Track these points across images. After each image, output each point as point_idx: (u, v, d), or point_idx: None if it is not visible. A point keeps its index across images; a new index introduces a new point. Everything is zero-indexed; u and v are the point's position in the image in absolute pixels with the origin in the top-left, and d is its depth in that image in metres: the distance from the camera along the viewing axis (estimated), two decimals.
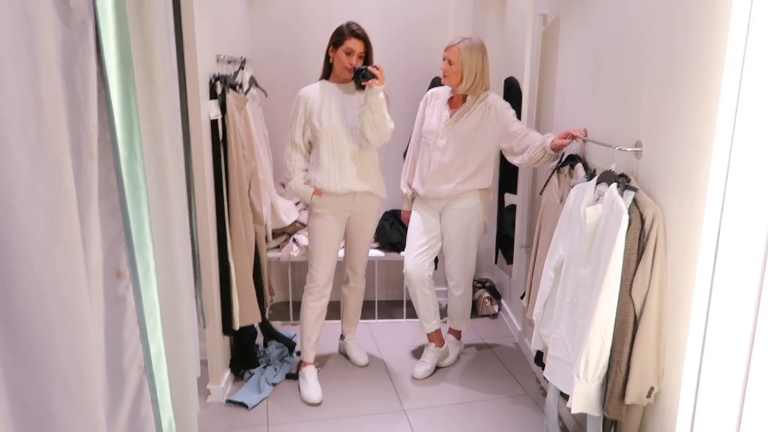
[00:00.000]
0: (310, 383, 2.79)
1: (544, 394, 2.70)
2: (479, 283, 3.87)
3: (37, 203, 0.99)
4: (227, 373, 2.84)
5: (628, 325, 1.72)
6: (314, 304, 2.80)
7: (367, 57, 2.63)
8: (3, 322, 1.01)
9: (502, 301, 3.81)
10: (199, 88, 2.38)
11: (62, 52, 1.12)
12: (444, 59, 2.72)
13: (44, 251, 1.01)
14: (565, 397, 2.05)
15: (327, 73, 2.73)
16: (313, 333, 2.85)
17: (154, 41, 1.39)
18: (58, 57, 1.10)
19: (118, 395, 1.32)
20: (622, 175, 1.84)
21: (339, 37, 2.62)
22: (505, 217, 3.48)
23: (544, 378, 2.19)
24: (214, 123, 2.54)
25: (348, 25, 2.61)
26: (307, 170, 2.73)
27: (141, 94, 1.38)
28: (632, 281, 1.71)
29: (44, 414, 1.05)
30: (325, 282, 2.79)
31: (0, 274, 0.98)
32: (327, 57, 2.70)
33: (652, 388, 1.72)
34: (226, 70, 2.79)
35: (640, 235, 1.71)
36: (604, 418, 1.85)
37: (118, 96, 1.26)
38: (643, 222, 1.70)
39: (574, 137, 2.33)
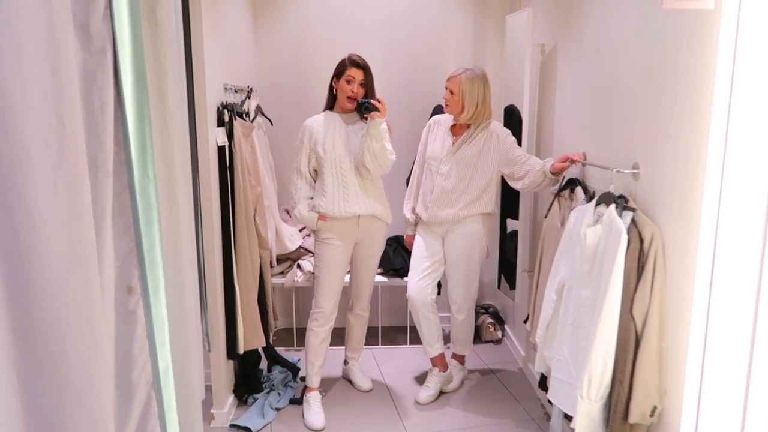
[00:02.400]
0: (314, 409, 2.78)
1: (548, 418, 2.69)
2: (482, 309, 3.88)
3: (56, 218, 1.04)
4: (231, 397, 2.84)
5: (629, 344, 1.74)
6: (319, 329, 2.81)
7: (367, 84, 2.72)
8: (20, 333, 1.04)
9: (506, 326, 3.81)
10: (208, 114, 2.45)
11: (82, 75, 1.18)
12: (446, 89, 2.80)
13: (61, 264, 1.05)
14: (569, 418, 2.05)
15: (331, 104, 2.82)
16: (318, 358, 2.85)
17: (167, 66, 1.46)
18: (78, 81, 1.15)
19: (126, 409, 1.34)
20: (620, 197, 1.88)
21: (341, 68, 2.73)
22: (508, 242, 3.51)
23: (548, 401, 2.20)
24: (221, 149, 2.61)
25: (349, 56, 2.73)
26: (312, 198, 2.78)
27: (154, 117, 1.44)
28: (633, 300, 1.73)
29: (56, 423, 1.07)
30: (331, 309, 2.82)
31: (19, 286, 1.02)
32: (330, 88, 2.80)
33: (655, 407, 1.73)
34: (233, 98, 2.87)
35: (640, 254, 1.74)
36: None
37: (133, 118, 1.31)
38: (642, 241, 1.74)
39: (573, 161, 2.39)
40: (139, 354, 1.36)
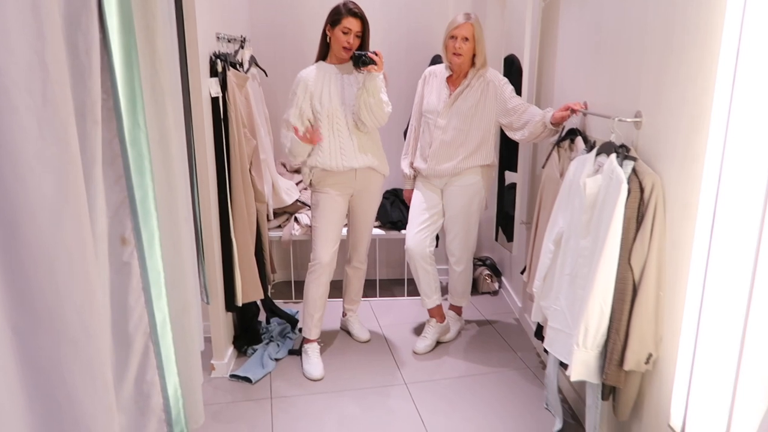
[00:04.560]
0: (312, 360, 2.82)
1: (544, 367, 2.73)
2: (480, 261, 3.90)
3: (44, 165, 1.01)
4: (230, 349, 2.87)
5: (626, 293, 1.74)
6: (317, 281, 2.81)
7: (363, 36, 2.63)
8: (13, 284, 1.03)
9: (503, 278, 3.83)
10: (200, 65, 2.38)
11: (65, 17, 1.13)
12: (454, 37, 2.68)
13: (52, 213, 1.03)
14: (565, 367, 2.08)
15: (324, 53, 2.72)
16: (316, 310, 2.87)
17: (155, 11, 1.40)
18: (61, 22, 1.10)
19: (124, 360, 1.35)
20: (621, 146, 1.85)
21: (336, 16, 2.61)
22: (506, 195, 3.49)
23: (544, 350, 2.22)
24: (215, 101, 2.55)
25: (345, 3, 2.60)
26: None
27: (143, 64, 1.39)
28: (631, 249, 1.72)
29: (54, 372, 1.07)
30: (328, 260, 2.80)
31: (10, 235, 1.00)
32: (324, 36, 2.69)
33: (650, 355, 1.75)
34: (227, 48, 2.79)
35: (640, 203, 1.72)
36: (603, 385, 1.88)
37: (120, 63, 1.27)
38: (642, 191, 1.72)
39: (573, 111, 2.34)
40: (135, 305, 1.36)
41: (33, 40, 0.97)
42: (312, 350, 2.85)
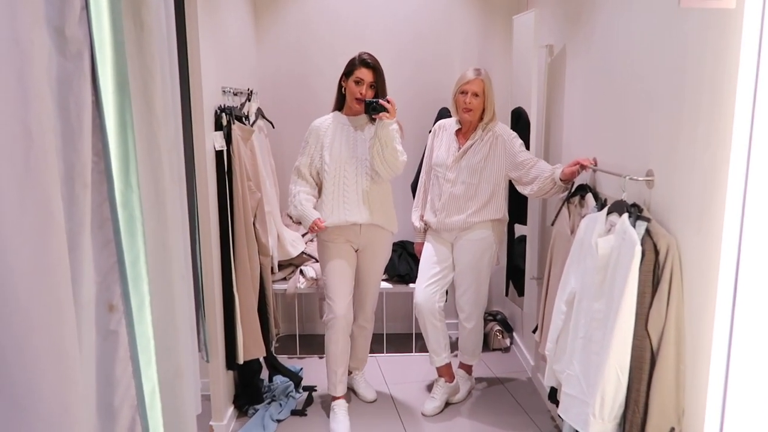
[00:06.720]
0: (339, 418, 2.71)
1: (559, 431, 2.59)
2: (490, 316, 3.78)
3: (23, 237, 0.96)
4: (231, 408, 2.76)
5: (644, 362, 1.64)
6: (336, 335, 2.71)
7: (377, 86, 2.61)
8: None
9: (514, 334, 3.71)
10: (204, 119, 2.38)
11: (57, 81, 1.10)
12: (465, 93, 2.67)
13: (31, 285, 0.97)
14: None
15: (340, 104, 2.72)
16: (339, 366, 2.76)
17: (153, 69, 1.38)
18: (52, 86, 1.08)
19: None
20: (633, 205, 1.78)
21: (350, 67, 2.62)
22: (516, 247, 3.41)
23: (559, 416, 2.10)
24: (219, 154, 2.53)
25: (359, 54, 2.61)
26: (314, 196, 2.69)
27: (139, 123, 1.36)
28: (648, 315, 1.63)
29: None
30: (344, 312, 2.70)
31: None
32: (340, 87, 2.70)
33: (672, 429, 1.63)
34: (233, 101, 2.79)
35: (655, 266, 1.64)
36: None
37: (114, 125, 1.24)
38: (657, 253, 1.64)
39: (583, 167, 2.29)
40: (122, 376, 1.28)
41: (15, 107, 0.93)
42: (339, 408, 2.75)
